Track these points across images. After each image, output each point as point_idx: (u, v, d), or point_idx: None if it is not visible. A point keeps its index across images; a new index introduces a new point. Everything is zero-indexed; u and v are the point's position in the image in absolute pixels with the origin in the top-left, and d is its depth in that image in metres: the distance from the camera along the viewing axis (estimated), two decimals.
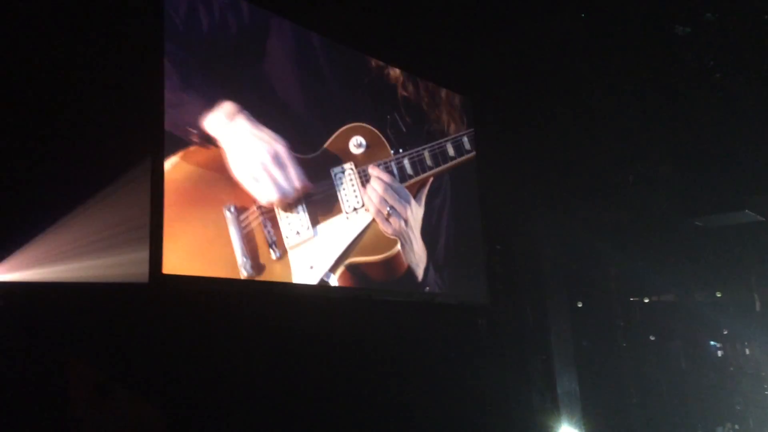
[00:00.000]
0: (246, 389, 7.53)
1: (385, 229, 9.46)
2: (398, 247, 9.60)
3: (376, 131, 9.69)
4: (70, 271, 6.18)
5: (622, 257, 14.65)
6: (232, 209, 7.62)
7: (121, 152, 6.69)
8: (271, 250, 7.96)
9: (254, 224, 7.81)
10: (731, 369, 17.07)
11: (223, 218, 7.54)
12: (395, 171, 9.71)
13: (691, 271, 15.75)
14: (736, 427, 15.53)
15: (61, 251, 6.26)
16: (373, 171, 9.46)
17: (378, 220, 9.38)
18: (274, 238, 8.03)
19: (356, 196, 9.14)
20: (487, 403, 11.38)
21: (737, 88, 10.90)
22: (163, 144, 7.03)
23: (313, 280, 8.42)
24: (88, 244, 6.34)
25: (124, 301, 6.62)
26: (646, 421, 14.92)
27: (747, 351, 17.51)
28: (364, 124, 9.57)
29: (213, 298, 7.40)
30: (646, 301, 16.26)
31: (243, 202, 7.78)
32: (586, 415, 12.52)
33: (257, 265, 7.80)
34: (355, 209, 9.09)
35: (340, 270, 8.79)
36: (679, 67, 11.10)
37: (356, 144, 9.36)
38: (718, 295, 16.62)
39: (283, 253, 8.12)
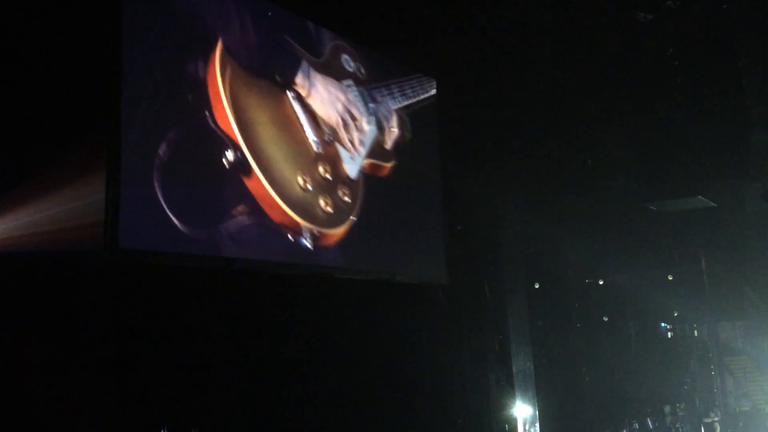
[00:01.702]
0: (199, 360, 7.52)
1: None
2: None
3: None
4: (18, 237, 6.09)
5: (579, 240, 14.96)
6: None
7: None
8: None
9: None
10: (680, 350, 17.68)
11: None
12: None
13: (645, 254, 16.18)
14: (683, 406, 16.04)
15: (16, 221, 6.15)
16: None
17: None
18: None
19: None
20: (444, 381, 11.58)
21: (695, 76, 11.13)
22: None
23: None
24: (41, 215, 6.23)
25: (77, 271, 6.53)
26: (597, 400, 15.35)
27: (695, 333, 18.13)
28: None
29: (166, 271, 7.35)
30: (601, 282, 16.67)
31: None
32: (540, 392, 12.82)
33: None
34: None
35: None
36: (639, 53, 11.29)
37: None
38: (670, 278, 17.12)
39: None
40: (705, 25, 10.84)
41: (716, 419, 15.60)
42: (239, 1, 8.36)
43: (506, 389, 12.20)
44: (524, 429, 12.07)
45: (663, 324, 17.94)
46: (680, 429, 15.90)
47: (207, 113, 7.71)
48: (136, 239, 6.76)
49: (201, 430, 7.37)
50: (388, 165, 10.44)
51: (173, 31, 7.52)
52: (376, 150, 10.23)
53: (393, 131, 10.56)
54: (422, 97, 11.33)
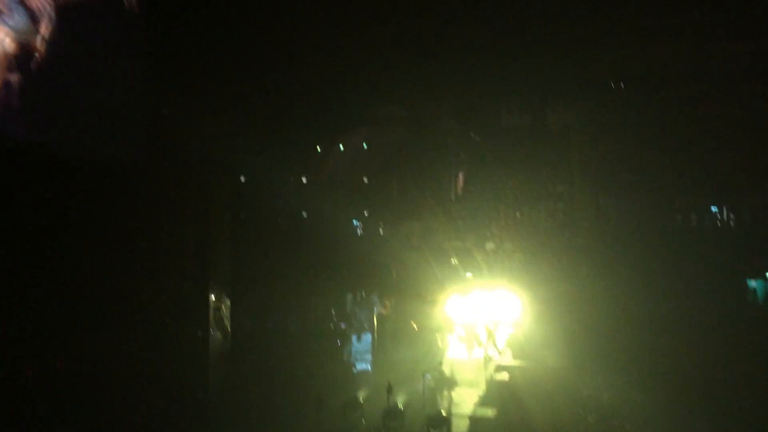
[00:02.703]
0: None
1: None
2: None
3: None
4: None
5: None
6: None
7: None
8: None
9: None
10: (366, 246, 19.45)
11: None
12: None
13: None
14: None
15: None
16: None
17: None
18: None
19: None
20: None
21: None
22: None
23: None
24: None
25: None
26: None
27: (381, 231, 20.08)
28: None
29: None
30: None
31: None
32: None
33: None
34: None
35: None
36: None
37: None
38: (365, 180, 18.52)
39: None
40: None
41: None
42: None
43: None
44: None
45: (354, 221, 19.42)
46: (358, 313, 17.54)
47: None
48: None
49: None
50: None
51: None
52: None
53: None
54: None
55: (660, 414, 12.35)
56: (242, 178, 14.23)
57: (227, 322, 12.45)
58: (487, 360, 16.66)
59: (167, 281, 11.79)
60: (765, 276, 19.99)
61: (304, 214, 16.33)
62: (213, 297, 12.10)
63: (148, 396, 11.02)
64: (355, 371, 16.49)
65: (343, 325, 17.13)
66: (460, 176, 23.70)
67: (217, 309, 12.18)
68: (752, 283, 20.05)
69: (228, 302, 12.47)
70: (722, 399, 13.22)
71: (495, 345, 16.88)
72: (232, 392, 12.40)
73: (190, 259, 12.09)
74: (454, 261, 20.34)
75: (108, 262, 10.39)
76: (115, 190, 10.54)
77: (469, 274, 20.12)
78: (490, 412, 12.85)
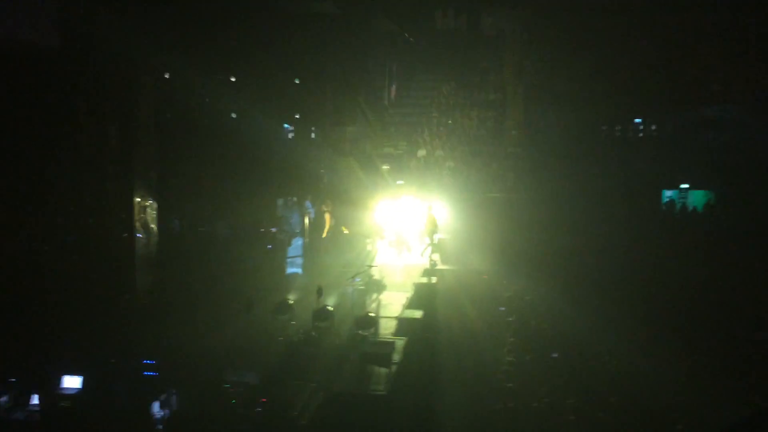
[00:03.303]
0: None
1: None
2: None
3: None
4: None
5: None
6: None
7: None
8: None
9: None
10: (299, 149, 19.13)
11: None
12: None
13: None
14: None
15: None
16: None
17: None
18: None
19: None
20: None
21: None
22: None
23: None
24: None
25: None
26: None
27: (312, 135, 19.76)
28: None
29: None
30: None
31: None
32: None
33: None
34: None
35: None
36: None
37: None
38: (297, 81, 17.94)
39: None
40: None
41: None
42: None
43: None
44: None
45: (286, 125, 18.97)
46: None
47: None
48: None
49: None
50: None
51: None
52: None
53: None
54: None
55: (576, 313, 13.05)
56: (167, 75, 13.48)
57: (154, 225, 12.11)
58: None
59: (88, 181, 11.26)
60: (679, 187, 21.06)
61: (234, 116, 15.75)
62: (138, 199, 11.67)
63: (73, 298, 10.75)
64: (286, 275, 16.55)
65: (273, 230, 17.02)
66: (394, 81, 23.38)
67: (143, 211, 11.78)
68: (668, 193, 21.12)
69: (155, 204, 12.07)
70: (633, 296, 14.12)
71: (423, 249, 17.27)
72: (159, 295, 12.24)
73: (113, 158, 11.53)
74: (386, 167, 20.37)
75: (19, 158, 9.77)
76: (22, 77, 9.76)
77: (400, 181, 20.23)
78: (417, 314, 13.22)
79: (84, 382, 9.24)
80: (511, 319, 13.24)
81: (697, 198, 20.89)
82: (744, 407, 7.98)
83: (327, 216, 17.33)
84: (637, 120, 21.79)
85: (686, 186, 20.95)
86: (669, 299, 14.02)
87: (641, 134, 21.92)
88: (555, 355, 11.05)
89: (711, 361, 10.69)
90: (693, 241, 16.76)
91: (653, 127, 21.76)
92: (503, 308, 14.25)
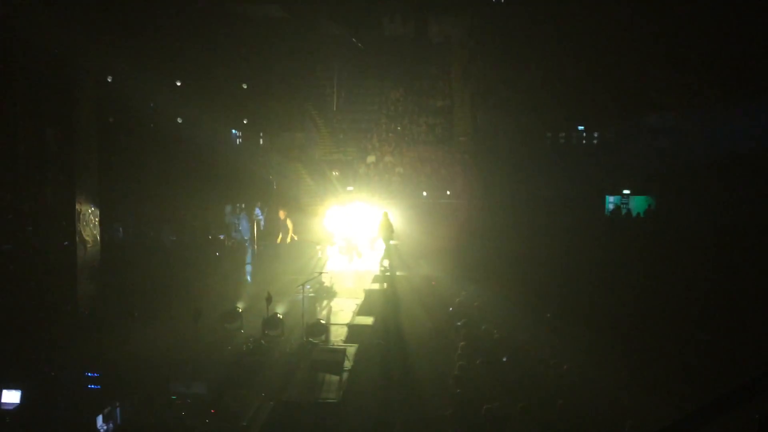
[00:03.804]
0: None
1: None
2: None
3: None
4: None
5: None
6: None
7: None
8: None
9: None
10: (245, 154, 18.91)
11: None
12: None
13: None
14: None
15: None
16: None
17: None
18: None
19: None
20: None
21: None
22: None
23: None
24: None
25: None
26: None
27: (261, 141, 19.56)
28: None
29: None
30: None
31: None
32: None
33: None
34: None
35: None
36: None
37: None
38: (244, 86, 17.72)
39: None
40: None
41: None
42: None
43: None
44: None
45: (233, 131, 18.72)
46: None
47: None
48: None
49: None
50: None
51: None
52: None
53: None
54: None
55: (525, 319, 13.26)
56: (109, 79, 13.10)
57: (96, 233, 11.73)
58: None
59: (27, 187, 10.82)
60: (621, 192, 21.71)
61: (179, 120, 15.43)
62: (79, 206, 11.27)
63: (11, 309, 10.31)
64: (234, 282, 16.31)
65: (221, 237, 16.74)
66: (342, 87, 23.35)
67: (85, 219, 11.39)
68: (610, 198, 21.74)
69: (97, 211, 11.69)
70: (579, 301, 14.47)
71: (377, 257, 17.27)
72: (102, 305, 11.86)
73: (53, 163, 11.11)
74: (335, 173, 20.32)
75: None
76: None
77: (350, 188, 20.22)
78: (368, 320, 13.20)
79: (23, 396, 8.86)
80: (459, 323, 13.33)
81: (638, 203, 21.58)
82: (687, 404, 8.26)
83: (289, 222, 17.14)
84: (580, 127, 22.35)
85: (628, 192, 21.63)
86: (613, 302, 14.41)
87: (584, 141, 22.50)
88: (505, 359, 11.19)
89: (653, 361, 11.03)
90: (639, 245, 17.32)
91: (595, 134, 22.35)
92: (451, 308, 14.39)
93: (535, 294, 14.73)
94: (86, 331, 11.15)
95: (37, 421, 8.63)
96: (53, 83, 11.13)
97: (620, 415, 9.04)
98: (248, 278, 16.74)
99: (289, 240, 17.12)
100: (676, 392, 9.33)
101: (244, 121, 18.30)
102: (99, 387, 9.34)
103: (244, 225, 17.43)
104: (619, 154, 21.37)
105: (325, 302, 14.85)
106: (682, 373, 10.50)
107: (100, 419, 8.81)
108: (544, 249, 17.05)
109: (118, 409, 9.10)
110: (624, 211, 21.48)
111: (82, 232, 11.29)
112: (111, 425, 8.97)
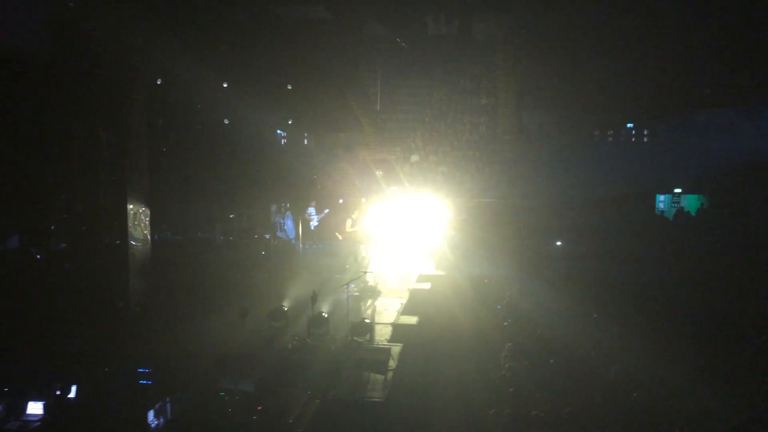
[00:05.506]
0: None
1: None
2: None
3: None
4: None
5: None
6: None
7: None
8: None
9: None
10: (289, 155, 19.08)
11: None
12: None
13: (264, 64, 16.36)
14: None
15: None
16: None
17: None
18: None
19: None
20: None
21: None
22: None
23: None
24: None
25: None
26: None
27: (306, 141, 19.69)
28: None
29: None
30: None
31: None
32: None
33: None
34: None
35: None
36: None
37: None
38: (289, 87, 17.84)
39: None
40: None
41: None
42: None
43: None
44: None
45: (278, 131, 18.91)
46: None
47: None
48: None
49: None
50: None
51: None
52: None
53: None
54: None
55: (572, 318, 13.03)
56: (158, 81, 13.39)
57: (147, 232, 12.01)
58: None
59: (81, 188, 11.15)
60: (672, 191, 21.13)
61: (226, 122, 15.67)
62: (131, 206, 11.56)
63: (66, 306, 10.62)
64: (279, 281, 16.47)
65: (267, 236, 16.92)
66: (385, 86, 23.35)
67: (136, 218, 11.68)
68: (660, 197, 21.19)
69: (147, 211, 11.97)
70: (632, 301, 14.13)
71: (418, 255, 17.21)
72: (153, 303, 12.13)
73: (106, 165, 11.42)
74: (379, 173, 20.31)
75: (9, 164, 9.65)
76: (12, 82, 9.64)
77: (393, 187, 20.18)
78: (412, 320, 13.15)
79: (78, 391, 9.11)
80: (506, 323, 13.19)
81: (690, 202, 20.98)
82: (746, 410, 7.95)
83: (321, 221, 17.18)
84: (630, 125, 21.86)
85: (679, 190, 21.04)
86: (669, 303, 14.03)
87: (633, 138, 22.01)
88: (552, 361, 11.00)
89: (712, 364, 10.66)
90: (693, 245, 16.88)
91: (645, 132, 21.83)
92: (499, 306, 14.28)
93: (584, 294, 14.47)
94: (138, 327, 11.41)
95: (92, 414, 8.86)
96: (106, 86, 11.43)
97: (675, 420, 8.77)
98: (294, 277, 16.88)
99: (320, 240, 17.13)
100: (736, 398, 8.98)
101: (289, 122, 18.46)
102: (150, 383, 9.54)
103: (288, 225, 17.56)
104: (670, 152, 20.80)
105: (369, 301, 14.85)
106: (743, 377, 10.13)
107: (151, 414, 9.01)
108: (594, 248, 16.75)
109: (168, 405, 9.29)
110: (676, 210, 20.89)
111: (134, 231, 11.57)
112: (162, 420, 9.15)
